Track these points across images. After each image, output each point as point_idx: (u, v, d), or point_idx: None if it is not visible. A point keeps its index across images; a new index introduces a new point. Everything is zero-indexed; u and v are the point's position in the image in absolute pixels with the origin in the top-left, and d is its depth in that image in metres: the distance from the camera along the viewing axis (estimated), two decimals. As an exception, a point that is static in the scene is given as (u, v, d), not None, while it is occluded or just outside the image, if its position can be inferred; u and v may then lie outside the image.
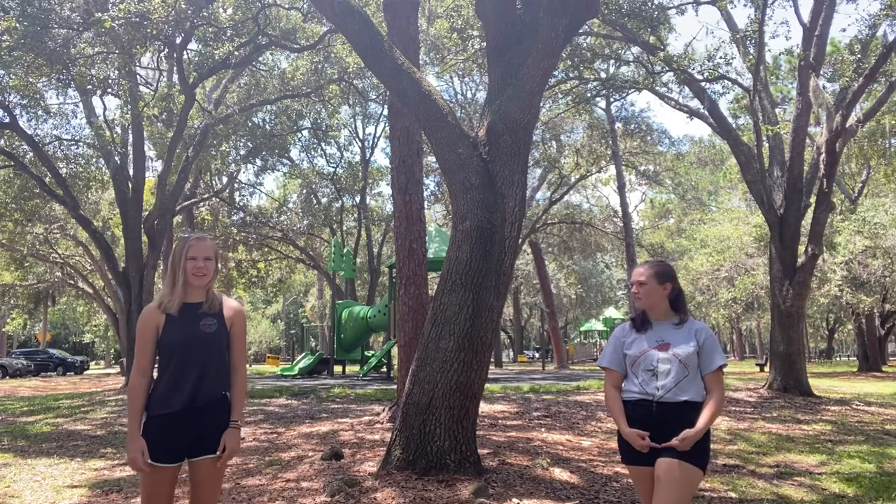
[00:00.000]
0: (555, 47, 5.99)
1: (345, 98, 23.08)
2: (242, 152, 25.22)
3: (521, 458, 6.39)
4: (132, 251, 18.32)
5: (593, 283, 45.10)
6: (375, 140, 31.27)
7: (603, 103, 26.64)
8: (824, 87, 14.98)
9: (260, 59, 19.34)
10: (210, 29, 15.40)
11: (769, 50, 18.52)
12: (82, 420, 10.71)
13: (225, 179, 28.07)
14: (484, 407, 10.02)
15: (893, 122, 18.74)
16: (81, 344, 55.00)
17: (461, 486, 4.97)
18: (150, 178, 22.32)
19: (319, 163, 31.15)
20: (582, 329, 49.74)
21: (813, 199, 14.21)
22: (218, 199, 27.74)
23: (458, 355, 5.41)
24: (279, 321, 62.70)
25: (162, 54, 18.21)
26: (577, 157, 28.78)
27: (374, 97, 24.74)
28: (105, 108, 28.38)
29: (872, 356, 28.67)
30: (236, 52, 15.59)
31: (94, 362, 52.25)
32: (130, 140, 19.84)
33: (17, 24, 12.64)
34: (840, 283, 23.54)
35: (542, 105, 19.81)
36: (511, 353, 51.46)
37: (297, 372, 21.47)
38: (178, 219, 24.47)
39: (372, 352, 23.71)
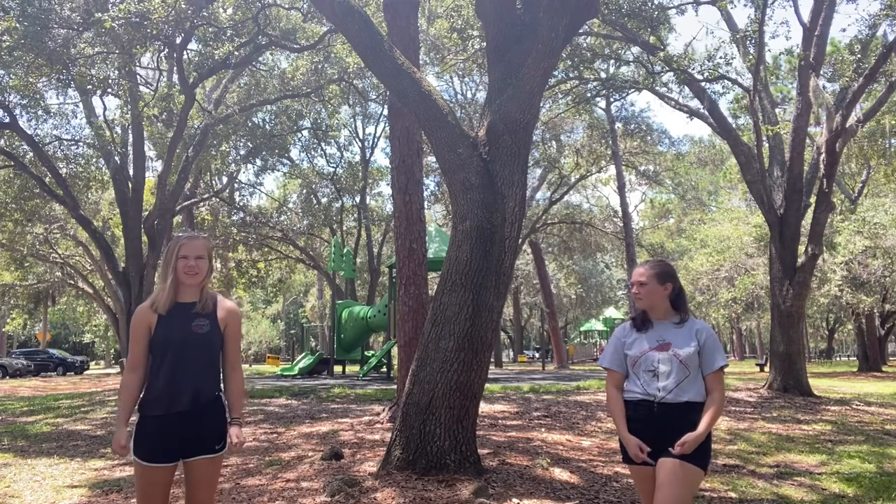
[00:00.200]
0: (555, 47, 5.99)
1: (345, 98, 23.10)
2: (242, 152, 25.24)
3: (521, 458, 6.39)
4: (132, 251, 18.35)
5: (593, 283, 45.11)
6: (375, 140, 31.31)
7: (603, 103, 26.64)
8: (824, 87, 14.99)
9: (260, 59, 19.35)
10: (210, 29, 15.41)
11: (769, 50, 18.54)
12: (82, 420, 10.71)
13: (225, 179, 28.09)
14: (484, 407, 10.02)
15: (893, 122, 18.74)
16: (81, 344, 55.02)
17: (461, 486, 4.97)
18: (150, 178, 22.33)
19: (319, 163, 31.21)
20: (582, 329, 49.75)
21: (813, 199, 14.21)
22: (218, 199, 27.75)
23: (458, 355, 5.41)
24: (279, 321, 62.72)
25: (162, 54, 18.23)
26: (577, 157, 28.78)
27: (374, 97, 24.76)
28: (105, 108, 28.44)
29: (872, 356, 28.67)
30: (236, 52, 15.60)
31: (94, 362, 52.25)
32: (130, 140, 19.87)
33: (17, 24, 12.65)
34: (840, 283, 23.55)
35: (542, 105, 19.81)
36: (511, 353, 51.47)
37: (297, 372, 21.47)
38: (178, 219, 24.47)
39: (372, 352, 23.71)
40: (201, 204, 26.82)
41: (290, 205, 34.12)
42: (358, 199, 30.82)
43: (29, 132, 17.94)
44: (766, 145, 14.64)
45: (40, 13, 13.12)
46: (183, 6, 13.81)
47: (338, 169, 30.81)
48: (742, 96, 19.12)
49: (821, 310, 31.05)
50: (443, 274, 5.70)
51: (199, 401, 2.84)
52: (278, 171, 29.85)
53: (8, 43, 13.16)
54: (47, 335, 41.27)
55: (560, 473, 5.74)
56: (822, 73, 14.66)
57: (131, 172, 19.56)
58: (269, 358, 37.65)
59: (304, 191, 32.41)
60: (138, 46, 14.71)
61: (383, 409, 9.76)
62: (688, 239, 35.86)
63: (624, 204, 29.29)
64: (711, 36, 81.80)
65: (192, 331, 2.84)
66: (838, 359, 55.23)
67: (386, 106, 17.92)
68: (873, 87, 15.55)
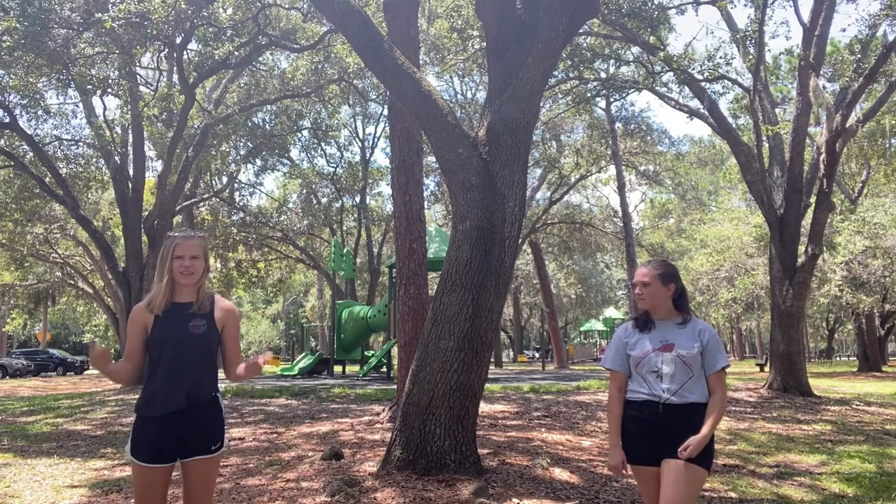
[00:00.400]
0: (555, 47, 5.99)
1: (345, 98, 23.10)
2: (242, 152, 25.23)
3: (521, 458, 6.39)
4: (132, 251, 18.34)
5: (593, 283, 45.11)
6: (375, 140, 31.30)
7: (603, 103, 26.64)
8: (824, 87, 14.98)
9: (260, 59, 19.35)
10: (210, 29, 15.40)
11: (769, 50, 18.54)
12: (82, 420, 10.71)
13: (225, 179, 28.07)
14: (484, 407, 10.02)
15: (893, 122, 18.74)
16: (81, 344, 54.96)
17: (461, 486, 4.97)
18: (150, 178, 22.31)
19: (319, 163, 31.19)
20: (582, 329, 49.75)
21: (813, 199, 14.21)
22: (218, 199, 27.75)
23: (458, 355, 5.40)
24: (279, 321, 62.70)
25: (162, 54, 18.22)
26: (577, 157, 28.78)
27: (374, 97, 24.75)
28: (105, 108, 28.33)
29: (872, 356, 28.67)
30: (236, 52, 15.59)
31: (94, 362, 52.15)
32: (130, 140, 19.85)
33: (17, 24, 12.64)
34: (840, 283, 23.54)
35: (542, 105, 19.83)
36: (511, 353, 51.45)
37: (297, 372, 21.47)
38: (178, 219, 24.47)
39: (372, 352, 23.71)
40: (201, 204, 26.81)
41: (290, 205, 34.10)
42: (358, 199, 30.81)
43: (29, 132, 17.93)
44: (766, 145, 14.63)
45: (40, 13, 13.11)
46: (183, 6, 13.80)
47: (338, 169, 30.81)
48: (742, 96, 19.12)
49: (821, 310, 31.05)
50: (443, 274, 5.70)
51: (196, 401, 2.83)
52: (278, 171, 29.87)
53: (8, 43, 13.15)
54: (47, 335, 41.25)
55: (560, 473, 5.74)
56: (822, 73, 14.66)
57: (131, 172, 19.55)
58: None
59: (304, 191, 32.40)
60: (138, 46, 14.71)
61: (383, 409, 9.76)
62: (688, 239, 35.87)
63: (624, 204, 29.29)
64: (711, 36, 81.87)
65: (188, 331, 2.84)
66: (838, 359, 55.23)
67: (386, 106, 17.92)
68: (873, 87, 15.54)
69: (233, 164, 25.72)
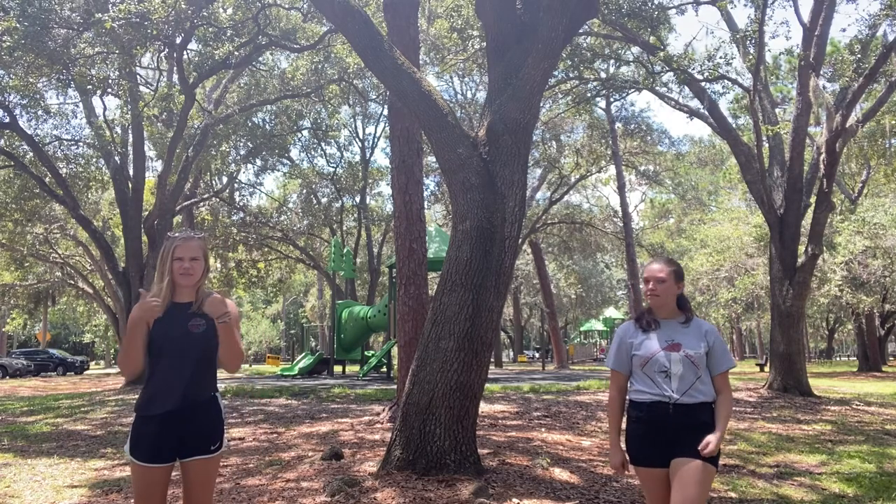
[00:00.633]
0: (555, 47, 5.99)
1: (345, 98, 23.10)
2: (242, 152, 25.23)
3: (521, 458, 6.39)
4: (132, 251, 18.34)
5: (593, 283, 45.11)
6: (375, 140, 31.30)
7: (603, 103, 26.65)
8: (824, 87, 14.98)
9: (260, 59, 19.35)
10: (210, 29, 15.41)
11: (769, 50, 18.54)
12: (82, 420, 10.71)
13: (225, 179, 28.07)
14: (484, 407, 10.02)
15: (893, 122, 18.74)
16: (81, 344, 55.00)
17: (461, 486, 4.97)
18: (150, 178, 22.32)
19: (319, 163, 31.20)
20: (582, 329, 49.76)
21: (813, 199, 14.21)
22: (218, 199, 27.75)
23: (458, 355, 5.40)
24: (279, 321, 62.70)
25: (162, 54, 18.23)
26: (577, 157, 28.78)
27: (374, 97, 24.75)
28: (105, 108, 28.35)
29: (872, 356, 28.67)
30: (236, 52, 15.59)
31: (94, 362, 52.24)
32: (130, 140, 19.86)
33: (17, 24, 12.64)
34: (840, 283, 23.54)
35: (542, 105, 19.82)
36: (511, 353, 51.46)
37: (297, 372, 21.47)
38: (178, 219, 24.47)
39: (372, 352, 23.71)
40: (201, 204, 26.81)
41: (290, 205, 34.11)
42: (358, 199, 30.81)
43: (29, 132, 17.93)
44: (766, 145, 14.63)
45: (40, 13, 13.11)
46: (183, 6, 13.81)
47: (338, 169, 30.82)
48: (742, 96, 19.12)
49: (821, 310, 31.05)
50: (443, 274, 5.70)
51: (196, 400, 2.84)
52: (278, 171, 29.88)
53: (8, 43, 13.15)
54: (47, 335, 41.26)
55: (560, 473, 5.74)
56: (822, 73, 14.66)
57: (131, 172, 19.55)
58: (269, 358, 37.65)
59: (304, 191, 32.40)
60: (138, 46, 14.71)
61: (383, 409, 9.76)
62: (688, 239, 35.87)
63: (624, 204, 29.29)
64: (711, 36, 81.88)
65: (188, 330, 2.85)
66: (838, 359, 55.23)
67: (386, 106, 17.92)
68: (873, 87, 15.54)
69: (233, 164, 25.72)
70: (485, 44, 8.64)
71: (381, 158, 69.70)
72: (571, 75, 17.71)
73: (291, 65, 21.87)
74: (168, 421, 2.80)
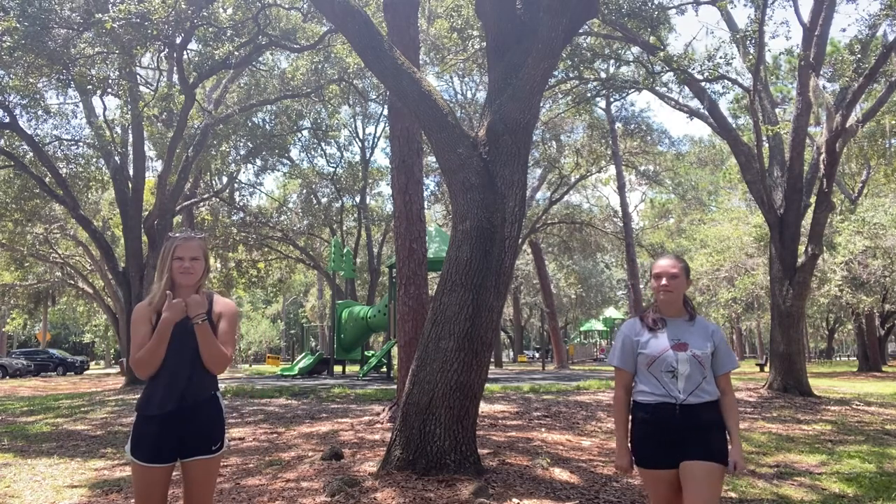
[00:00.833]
0: (555, 47, 5.99)
1: (345, 98, 23.10)
2: (242, 152, 25.24)
3: (521, 458, 6.39)
4: (132, 251, 18.35)
5: (593, 283, 45.12)
6: (375, 140, 31.30)
7: (603, 103, 26.65)
8: (824, 87, 14.98)
9: (260, 59, 19.35)
10: (210, 29, 15.41)
11: (769, 50, 18.54)
12: (82, 420, 10.71)
13: (225, 179, 28.07)
14: (484, 407, 10.02)
15: (893, 122, 18.74)
16: (81, 344, 54.99)
17: (461, 486, 4.97)
18: (150, 178, 22.32)
19: (319, 163, 31.20)
20: (582, 329, 49.76)
21: (813, 199, 14.21)
22: (218, 199, 27.75)
23: (458, 355, 5.40)
24: (279, 321, 62.68)
25: (162, 54, 18.23)
26: (577, 157, 28.78)
27: (374, 97, 24.75)
28: (105, 108, 28.31)
29: (872, 356, 28.67)
30: (236, 52, 15.59)
31: (94, 362, 52.25)
32: (130, 140, 19.86)
33: (18, 24, 12.64)
34: (840, 283, 23.54)
35: (542, 105, 19.83)
36: (511, 353, 51.47)
37: (297, 372, 21.47)
38: (178, 219, 24.47)
39: (372, 352, 23.71)
40: (201, 204, 26.81)
41: (290, 205, 34.12)
42: (358, 199, 30.81)
43: (29, 132, 17.93)
44: (766, 145, 14.63)
45: (40, 13, 13.11)
46: (183, 6, 13.81)
47: (338, 169, 30.82)
48: (742, 96, 19.11)
49: (821, 310, 31.05)
50: (443, 274, 5.70)
51: (196, 399, 2.84)
52: (278, 171, 29.88)
53: (8, 43, 13.16)
54: (47, 335, 41.26)
55: (560, 473, 5.74)
56: (822, 73, 14.65)
57: (131, 172, 19.55)
58: (268, 358, 37.65)
59: (304, 191, 32.40)
60: (138, 46, 14.71)
61: (383, 409, 9.76)
62: (688, 239, 35.85)
63: (624, 204, 29.29)
64: (711, 36, 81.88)
65: (188, 329, 2.85)
66: (838, 359, 55.23)
67: (386, 106, 17.92)
68: (873, 87, 15.54)
69: (233, 164, 25.73)
70: (485, 44, 8.63)
71: (381, 158, 69.77)
72: (571, 75, 17.71)
73: (291, 65, 21.87)
74: (168, 421, 2.81)
